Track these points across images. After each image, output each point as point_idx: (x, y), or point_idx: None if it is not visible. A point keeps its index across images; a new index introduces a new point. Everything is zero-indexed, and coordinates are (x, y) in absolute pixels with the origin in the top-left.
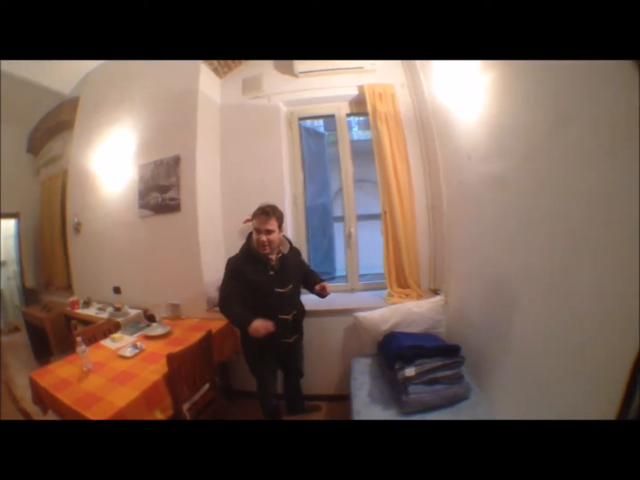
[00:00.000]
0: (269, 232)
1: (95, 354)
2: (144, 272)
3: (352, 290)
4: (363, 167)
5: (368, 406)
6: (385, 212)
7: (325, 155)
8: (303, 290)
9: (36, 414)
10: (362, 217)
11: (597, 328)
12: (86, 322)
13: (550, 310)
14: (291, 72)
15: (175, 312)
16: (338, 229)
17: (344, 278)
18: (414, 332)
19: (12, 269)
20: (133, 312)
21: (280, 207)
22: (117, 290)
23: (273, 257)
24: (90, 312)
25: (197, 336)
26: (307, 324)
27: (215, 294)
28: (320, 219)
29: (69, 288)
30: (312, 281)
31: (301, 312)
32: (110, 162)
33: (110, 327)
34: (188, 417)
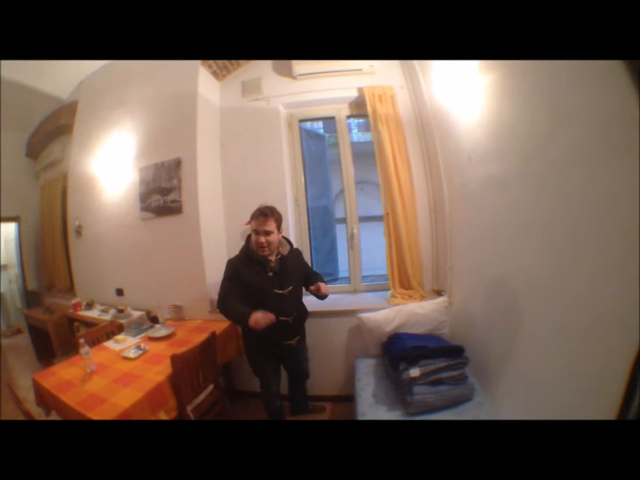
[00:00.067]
0: (267, 233)
1: (98, 355)
2: (147, 274)
3: (355, 291)
4: (363, 169)
5: (372, 407)
6: (387, 214)
7: (326, 157)
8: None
9: (39, 415)
10: (363, 219)
11: (598, 328)
12: (89, 324)
13: (552, 311)
14: (290, 75)
15: (178, 314)
16: (339, 231)
17: (347, 279)
18: (418, 333)
19: (13, 272)
20: (136, 313)
21: (282, 208)
22: (119, 292)
23: (272, 258)
24: (93, 314)
25: (200, 337)
26: (311, 325)
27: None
28: (322, 221)
29: (71, 290)
30: (312, 282)
31: (303, 314)
32: (110, 165)
33: (114, 329)
34: (192, 418)
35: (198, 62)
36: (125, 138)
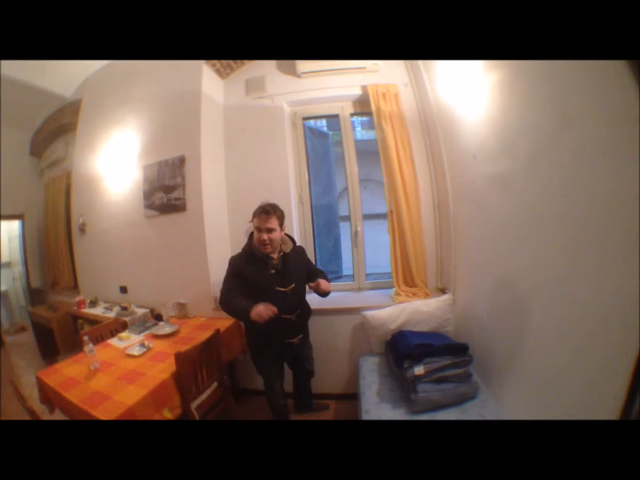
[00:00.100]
0: (269, 230)
1: (102, 353)
2: (151, 272)
3: (359, 289)
4: (366, 167)
5: (377, 405)
6: (391, 211)
7: (330, 155)
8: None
9: (43, 413)
10: (366, 217)
11: (600, 328)
12: (93, 321)
13: (556, 309)
14: (294, 73)
15: (182, 311)
16: (343, 229)
17: (351, 277)
18: (422, 331)
19: (17, 269)
20: (140, 311)
21: (286, 206)
22: (123, 289)
23: (275, 256)
24: (97, 311)
25: (204, 335)
26: (315, 322)
27: None
28: (326, 219)
29: (75, 288)
30: (314, 280)
31: (306, 312)
32: (114, 163)
33: (118, 327)
34: (196, 415)
35: (202, 60)
36: (129, 136)
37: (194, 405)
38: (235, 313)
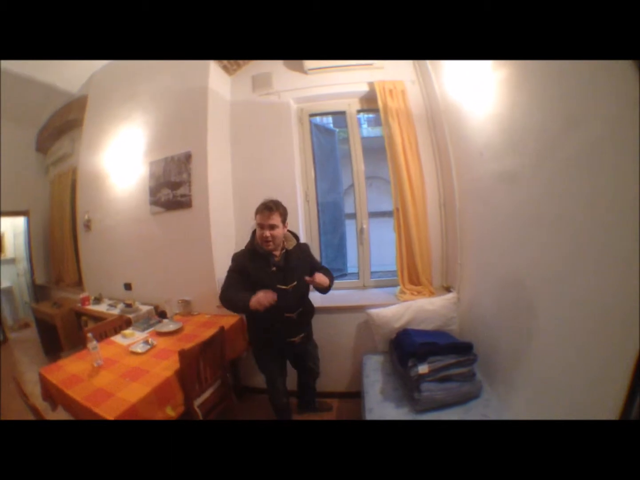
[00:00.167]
0: (272, 227)
1: (106, 350)
2: (155, 269)
3: (364, 287)
4: (372, 164)
5: (380, 403)
6: (397, 209)
7: (336, 152)
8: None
9: (45, 410)
10: (372, 214)
11: (602, 328)
12: (97, 318)
13: (561, 309)
14: (301, 69)
15: (187, 308)
16: (349, 226)
17: (356, 275)
18: (427, 330)
19: (22, 265)
20: (144, 308)
21: (292, 203)
22: (128, 286)
23: (277, 253)
24: (101, 308)
25: (208, 332)
26: (319, 320)
27: None
28: (331, 216)
29: (79, 285)
30: None
31: (308, 310)
32: (120, 159)
33: (122, 324)
34: (199, 413)
35: None
36: (136, 132)
37: (196, 403)
38: (235, 306)
